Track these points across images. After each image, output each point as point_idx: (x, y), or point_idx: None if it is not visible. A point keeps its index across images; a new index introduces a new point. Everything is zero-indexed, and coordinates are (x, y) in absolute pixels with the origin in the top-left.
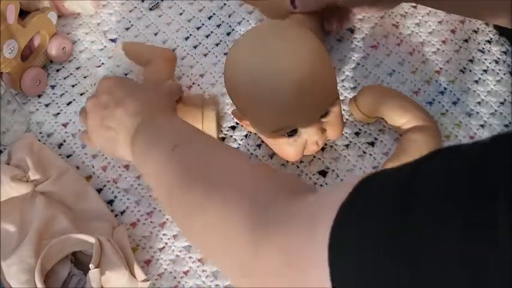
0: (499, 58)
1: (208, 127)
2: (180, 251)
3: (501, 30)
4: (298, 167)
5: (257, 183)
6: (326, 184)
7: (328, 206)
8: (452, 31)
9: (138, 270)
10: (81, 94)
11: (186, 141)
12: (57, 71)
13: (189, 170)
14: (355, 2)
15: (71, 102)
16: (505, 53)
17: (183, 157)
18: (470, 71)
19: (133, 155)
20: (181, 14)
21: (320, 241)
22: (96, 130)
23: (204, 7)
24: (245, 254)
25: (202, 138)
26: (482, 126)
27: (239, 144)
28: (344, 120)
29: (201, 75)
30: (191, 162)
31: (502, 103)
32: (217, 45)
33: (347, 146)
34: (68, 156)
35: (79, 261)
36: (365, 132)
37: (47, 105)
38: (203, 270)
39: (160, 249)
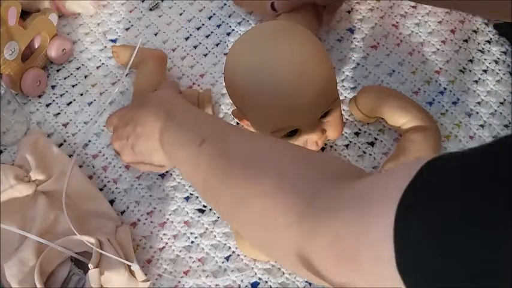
0: (498, 58)
1: None
2: (180, 251)
3: (501, 30)
4: None
5: (297, 171)
6: None
7: (388, 188)
8: (452, 31)
9: (138, 270)
10: (81, 94)
11: (212, 133)
12: (58, 71)
13: (223, 162)
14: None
15: (71, 102)
16: (504, 53)
17: (212, 150)
18: (470, 71)
19: (168, 158)
20: (181, 14)
21: (377, 225)
22: (136, 163)
23: (204, 7)
24: (295, 247)
25: (227, 127)
26: (482, 126)
27: None
28: (344, 120)
29: (201, 75)
30: (223, 155)
31: (501, 103)
32: (217, 45)
33: (347, 146)
34: (69, 156)
35: (79, 260)
36: (365, 132)
37: (47, 105)
38: (203, 270)
39: (161, 249)
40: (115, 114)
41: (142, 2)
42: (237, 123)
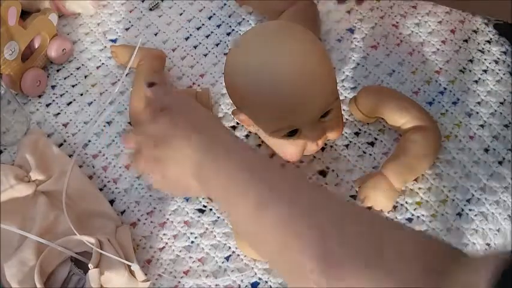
0: (498, 58)
1: None
2: (180, 251)
3: (501, 30)
4: (298, 167)
5: (384, 263)
6: (326, 184)
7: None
8: (452, 31)
9: (138, 270)
10: (81, 94)
11: (276, 194)
12: (58, 71)
13: (291, 235)
14: None
15: (71, 102)
16: (504, 53)
17: (278, 218)
18: (470, 71)
19: (209, 193)
20: (181, 14)
21: None
22: (159, 182)
23: (204, 7)
24: None
25: (290, 183)
26: (482, 126)
27: None
28: (344, 120)
29: (201, 75)
30: (291, 225)
31: (501, 103)
32: (217, 45)
33: (347, 146)
34: (69, 156)
35: (79, 260)
36: (365, 132)
37: (47, 105)
38: (203, 270)
39: (161, 249)
40: (140, 132)
41: (142, 2)
42: (237, 123)
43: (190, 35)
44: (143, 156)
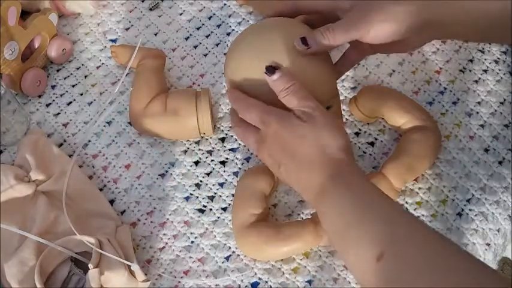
0: (498, 58)
1: (203, 120)
2: (180, 251)
3: None
4: None
5: None
6: None
7: None
8: None
9: (138, 270)
10: (81, 94)
11: (392, 241)
12: (58, 71)
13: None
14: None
15: (71, 102)
16: (504, 52)
17: (392, 268)
18: (470, 70)
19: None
20: (181, 14)
21: None
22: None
23: (204, 7)
24: None
25: (406, 227)
26: (482, 126)
27: (239, 144)
28: (344, 120)
29: (201, 75)
30: (405, 277)
31: (501, 103)
32: (217, 45)
33: None
34: (69, 156)
35: (79, 260)
36: (365, 132)
37: (47, 105)
38: (203, 270)
39: (161, 249)
40: (272, 120)
41: (143, 2)
42: None
43: (190, 35)
44: (267, 150)
